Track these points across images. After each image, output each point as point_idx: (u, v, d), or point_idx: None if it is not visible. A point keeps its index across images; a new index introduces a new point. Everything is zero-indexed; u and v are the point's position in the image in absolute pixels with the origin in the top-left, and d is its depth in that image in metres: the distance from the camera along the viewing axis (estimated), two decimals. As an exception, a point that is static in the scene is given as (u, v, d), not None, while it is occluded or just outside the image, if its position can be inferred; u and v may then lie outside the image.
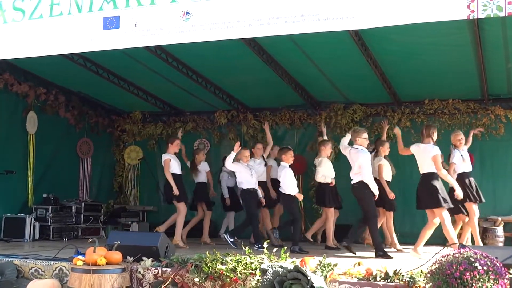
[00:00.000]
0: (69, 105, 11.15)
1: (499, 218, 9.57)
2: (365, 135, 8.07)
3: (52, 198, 10.16)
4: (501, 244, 9.22)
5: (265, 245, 5.72)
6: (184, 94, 10.82)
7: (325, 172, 9.15)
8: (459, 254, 4.43)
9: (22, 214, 9.57)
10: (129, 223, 11.38)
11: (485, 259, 4.33)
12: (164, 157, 9.04)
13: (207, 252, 5.69)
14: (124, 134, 12.59)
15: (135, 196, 12.38)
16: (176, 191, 8.83)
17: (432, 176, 7.58)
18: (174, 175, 8.94)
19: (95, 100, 11.76)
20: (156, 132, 12.31)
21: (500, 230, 9.46)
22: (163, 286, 5.55)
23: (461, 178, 8.31)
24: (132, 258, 5.89)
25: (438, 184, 7.56)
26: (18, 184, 9.90)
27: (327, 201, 9.12)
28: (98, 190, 12.09)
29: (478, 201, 8.42)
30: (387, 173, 8.87)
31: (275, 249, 5.71)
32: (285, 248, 5.91)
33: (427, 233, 7.68)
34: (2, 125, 9.69)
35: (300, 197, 8.68)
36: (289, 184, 8.50)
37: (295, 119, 11.39)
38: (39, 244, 8.83)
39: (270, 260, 5.48)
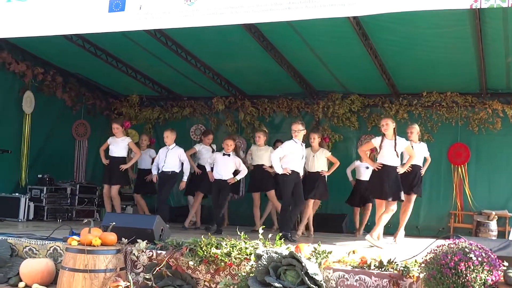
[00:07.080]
0: (66, 86, 11.09)
1: (493, 212, 9.61)
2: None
3: (47, 179, 10.15)
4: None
5: (261, 230, 5.73)
6: (182, 79, 10.78)
7: None
8: (454, 244, 4.44)
9: (17, 194, 9.55)
10: (124, 206, 11.34)
11: (480, 250, 4.34)
12: None
13: (202, 236, 5.69)
14: (121, 117, 12.53)
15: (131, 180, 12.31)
16: None
17: None
18: None
19: (92, 82, 11.70)
20: (153, 116, 12.27)
21: (493, 224, 9.51)
22: (157, 268, 5.54)
23: None
24: (127, 240, 5.89)
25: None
26: (12, 163, 9.86)
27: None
28: (94, 172, 12.04)
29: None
30: None
31: (270, 235, 5.71)
32: (280, 234, 5.93)
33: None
34: (-3, 104, 9.64)
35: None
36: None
37: (293, 108, 11.38)
38: (33, 224, 8.81)
39: (265, 246, 5.49)
